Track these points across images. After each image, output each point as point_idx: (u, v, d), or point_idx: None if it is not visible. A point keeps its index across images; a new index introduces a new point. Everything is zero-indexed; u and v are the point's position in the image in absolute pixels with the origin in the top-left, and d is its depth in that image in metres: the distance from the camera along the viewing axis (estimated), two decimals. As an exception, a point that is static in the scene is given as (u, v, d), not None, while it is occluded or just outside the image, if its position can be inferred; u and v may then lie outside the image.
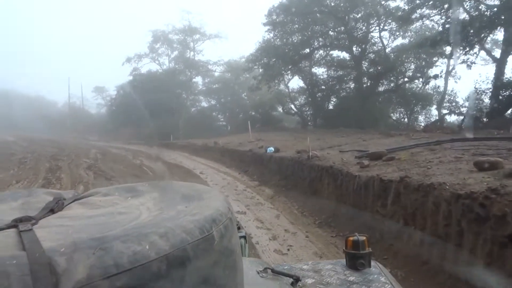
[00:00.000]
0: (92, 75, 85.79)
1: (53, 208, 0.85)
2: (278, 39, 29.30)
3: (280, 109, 36.98)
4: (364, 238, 1.44)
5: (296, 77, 33.67)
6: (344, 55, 29.80)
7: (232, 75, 40.02)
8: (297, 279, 1.28)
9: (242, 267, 0.85)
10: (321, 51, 30.62)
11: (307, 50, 29.48)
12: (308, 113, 33.53)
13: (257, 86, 28.53)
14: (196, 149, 21.34)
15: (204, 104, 43.90)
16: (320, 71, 31.60)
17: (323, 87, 31.43)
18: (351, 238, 1.44)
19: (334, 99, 30.99)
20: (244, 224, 7.19)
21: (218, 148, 18.73)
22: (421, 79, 26.32)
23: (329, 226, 6.65)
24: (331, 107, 31.25)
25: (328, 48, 29.74)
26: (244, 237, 1.51)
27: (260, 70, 30.49)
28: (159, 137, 31.71)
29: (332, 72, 30.57)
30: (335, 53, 30.17)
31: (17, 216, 0.75)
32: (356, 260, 1.41)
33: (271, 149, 12.89)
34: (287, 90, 34.34)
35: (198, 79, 43.39)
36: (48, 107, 55.70)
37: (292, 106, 34.24)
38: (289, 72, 31.80)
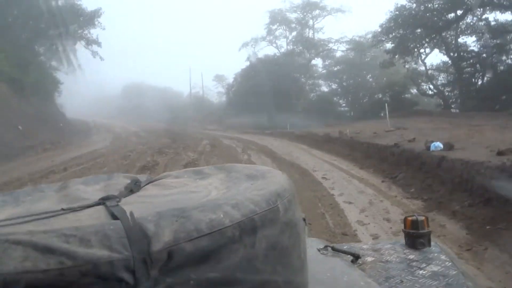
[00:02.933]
0: (214, 63, 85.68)
1: (132, 189, 0.91)
2: (414, 4, 23.09)
3: (413, 90, 30.47)
4: (423, 218, 1.32)
5: (434, 52, 27.01)
6: (505, 17, 22.40)
7: (356, 55, 34.31)
8: (357, 257, 1.25)
9: (305, 239, 0.86)
10: (469, 17, 23.57)
11: (453, 15, 22.77)
12: (452, 93, 26.64)
13: (390, 61, 22.75)
14: (317, 140, 16.82)
15: (324, 88, 38.95)
16: (469, 41, 24.54)
17: (472, 60, 24.37)
18: (410, 218, 1.33)
19: (489, 75, 23.75)
20: None
21: (345, 140, 13.98)
22: None
23: None
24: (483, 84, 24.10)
25: (481, 10, 22.62)
26: (304, 219, 1.28)
27: (391, 45, 24.66)
28: (276, 125, 27.88)
29: (486, 41, 23.35)
30: (491, 16, 22.90)
31: (100, 196, 0.81)
32: (415, 240, 1.32)
33: (438, 145, 7.87)
34: (423, 68, 27.75)
35: (318, 62, 38.45)
36: (174, 97, 56.51)
37: (431, 85, 27.58)
38: (426, 45, 25.34)
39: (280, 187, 0.79)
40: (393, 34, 24.02)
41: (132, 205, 0.74)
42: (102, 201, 0.77)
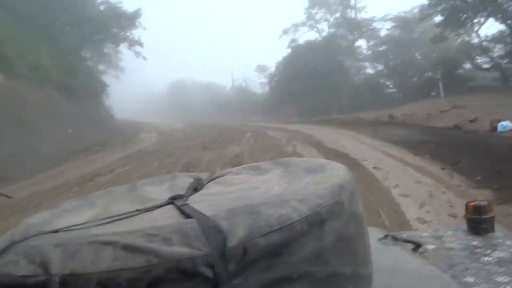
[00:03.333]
0: (256, 54, 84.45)
1: (196, 187, 0.94)
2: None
3: (466, 66, 28.22)
4: (486, 202, 1.23)
5: (489, 22, 24.76)
6: None
7: (402, 32, 32.35)
8: (418, 245, 1.19)
9: (368, 230, 0.85)
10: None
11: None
12: (510, 65, 24.31)
13: (442, 35, 21.05)
14: (365, 126, 15.83)
15: (370, 70, 37.20)
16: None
17: (533, 27, 22.05)
18: (471, 204, 1.24)
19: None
20: None
21: (396, 124, 12.99)
22: None
23: None
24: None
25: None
26: None
27: (441, 17, 22.84)
28: (321, 112, 26.89)
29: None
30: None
31: (168, 195, 0.85)
32: (478, 225, 1.24)
33: (508, 124, 6.86)
34: (477, 40, 25.54)
35: (362, 43, 36.68)
36: (218, 91, 56.67)
37: (486, 58, 25.30)
38: (480, 14, 23.23)
39: (342, 179, 0.78)
40: (443, 5, 22.21)
41: (200, 203, 0.76)
42: (172, 201, 0.81)
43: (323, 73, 32.72)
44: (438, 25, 21.88)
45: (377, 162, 8.97)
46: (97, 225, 0.72)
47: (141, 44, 28.87)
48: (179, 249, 0.57)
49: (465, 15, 21.16)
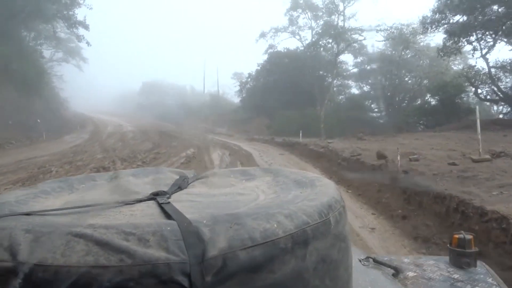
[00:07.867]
0: (237, 60, 77.88)
1: (180, 185, 0.90)
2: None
3: (465, 96, 22.67)
4: (471, 237, 1.18)
5: (499, 45, 19.43)
6: None
7: (394, 49, 26.63)
8: (398, 271, 1.14)
9: (351, 252, 0.81)
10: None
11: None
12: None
13: (455, 47, 15.28)
14: (339, 164, 9.80)
15: (355, 90, 31.40)
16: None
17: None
18: (456, 236, 1.20)
19: None
20: None
21: (393, 175, 6.92)
22: None
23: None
24: None
25: None
26: None
27: (443, 35, 17.34)
28: (293, 132, 20.85)
29: None
30: None
31: (150, 189, 0.81)
32: (460, 258, 1.19)
33: None
34: (485, 65, 20.01)
35: (349, 58, 30.69)
36: (192, 96, 50.84)
37: (495, 88, 19.77)
38: (491, 34, 17.77)
39: (331, 198, 0.73)
40: (448, 18, 16.64)
41: (183, 203, 0.72)
42: (154, 197, 0.76)
43: (301, 87, 26.98)
44: (451, 33, 16.02)
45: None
46: (73, 213, 0.66)
47: (86, 27, 22.58)
48: (156, 253, 0.52)
49: (482, 30, 15.54)
